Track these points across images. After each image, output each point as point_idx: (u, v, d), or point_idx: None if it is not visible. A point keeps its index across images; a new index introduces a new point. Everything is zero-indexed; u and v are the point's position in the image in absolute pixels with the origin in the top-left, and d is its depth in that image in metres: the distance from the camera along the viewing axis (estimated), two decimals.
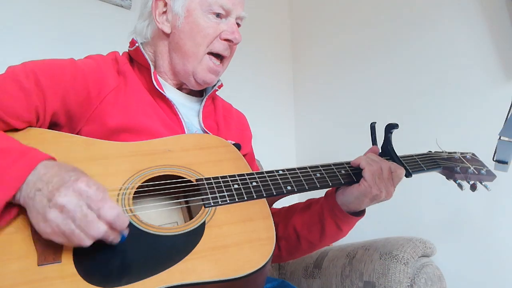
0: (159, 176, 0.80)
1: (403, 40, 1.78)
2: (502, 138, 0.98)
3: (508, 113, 0.99)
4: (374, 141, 1.03)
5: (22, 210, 0.66)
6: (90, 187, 0.63)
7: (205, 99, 1.06)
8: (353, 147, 1.89)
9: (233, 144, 0.93)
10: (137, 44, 0.99)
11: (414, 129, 1.66)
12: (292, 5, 2.44)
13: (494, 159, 1.00)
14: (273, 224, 0.79)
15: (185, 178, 0.81)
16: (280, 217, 1.06)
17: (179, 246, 0.70)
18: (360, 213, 0.98)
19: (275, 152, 2.11)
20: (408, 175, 0.97)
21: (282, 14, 2.44)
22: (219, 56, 1.01)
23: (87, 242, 0.62)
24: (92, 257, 0.66)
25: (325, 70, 2.16)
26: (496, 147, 0.99)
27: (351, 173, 0.94)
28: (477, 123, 1.48)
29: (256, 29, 2.20)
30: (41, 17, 1.61)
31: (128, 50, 1.03)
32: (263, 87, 2.26)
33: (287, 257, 1.08)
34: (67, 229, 0.61)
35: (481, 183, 1.06)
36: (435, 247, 1.33)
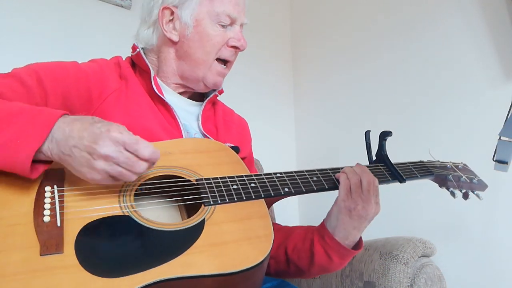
0: (160, 176, 0.82)
1: (403, 40, 1.78)
2: (502, 138, 0.98)
3: (508, 113, 1.00)
4: (368, 148, 1.05)
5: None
6: (122, 134, 0.69)
7: (205, 103, 1.07)
8: (353, 147, 1.90)
9: (232, 146, 0.95)
10: (138, 49, 1.02)
11: (413, 128, 1.67)
12: (292, 5, 2.44)
13: (494, 159, 1.00)
14: (271, 223, 0.80)
15: (185, 178, 0.83)
16: (277, 236, 1.03)
17: (179, 241, 0.71)
18: (356, 247, 0.96)
19: (275, 153, 2.11)
20: (402, 181, 0.98)
21: (283, 14, 2.44)
22: (224, 61, 1.04)
23: (134, 178, 0.70)
24: (93, 249, 0.67)
25: (325, 70, 2.17)
26: (496, 147, 0.99)
27: None
28: (477, 123, 1.48)
29: (256, 29, 2.20)
30: (41, 17, 1.61)
31: (131, 55, 1.05)
32: (263, 88, 2.26)
33: (276, 276, 1.07)
34: (116, 172, 0.68)
35: (473, 192, 1.07)
36: (435, 247, 1.33)
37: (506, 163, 1.00)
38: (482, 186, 1.08)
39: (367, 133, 1.05)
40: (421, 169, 1.05)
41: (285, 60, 2.39)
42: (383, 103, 1.83)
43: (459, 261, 1.47)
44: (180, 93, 1.07)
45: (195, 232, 0.73)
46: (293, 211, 2.16)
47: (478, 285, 1.42)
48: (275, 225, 1.09)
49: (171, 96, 1.03)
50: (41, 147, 0.68)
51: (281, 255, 1.01)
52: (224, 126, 1.10)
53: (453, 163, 1.11)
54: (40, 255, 0.64)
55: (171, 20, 1.01)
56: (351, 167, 0.95)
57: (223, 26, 1.00)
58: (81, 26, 1.69)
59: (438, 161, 1.12)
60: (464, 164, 1.13)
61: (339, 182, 0.93)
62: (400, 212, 1.64)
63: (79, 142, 0.68)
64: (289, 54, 2.41)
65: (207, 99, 1.08)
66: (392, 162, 1.02)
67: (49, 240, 0.65)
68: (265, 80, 2.27)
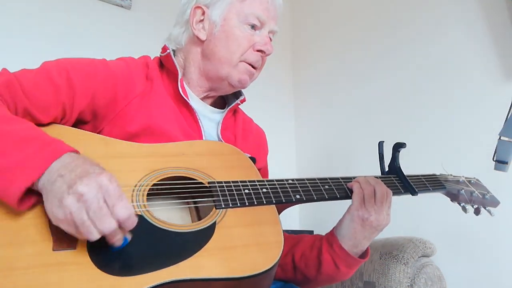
0: (173, 177, 0.82)
1: (403, 40, 1.78)
2: (502, 138, 0.98)
3: (508, 113, 0.99)
4: (381, 159, 1.05)
5: (41, 198, 0.68)
6: (111, 183, 0.63)
7: (226, 111, 1.07)
8: (353, 150, 1.90)
9: (248, 157, 0.94)
10: (168, 51, 1.02)
11: (413, 128, 1.67)
12: (293, 7, 2.44)
13: (494, 159, 1.00)
14: (282, 230, 0.80)
15: (197, 180, 0.83)
16: (286, 244, 1.04)
17: (189, 243, 0.72)
18: (363, 256, 0.97)
19: (275, 156, 2.10)
20: (414, 193, 0.99)
21: (283, 17, 2.43)
22: (251, 67, 1.04)
23: (94, 236, 0.62)
24: (106, 247, 0.67)
25: (325, 73, 2.17)
26: (496, 147, 0.99)
27: None
28: (477, 123, 1.48)
29: None
30: (41, 17, 1.61)
31: (160, 55, 1.05)
32: (263, 91, 2.25)
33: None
34: (79, 219, 0.61)
35: (484, 208, 1.06)
36: (435, 247, 1.33)
37: (506, 163, 1.00)
38: (494, 202, 1.08)
39: (381, 144, 1.05)
40: (433, 183, 1.05)
41: (285, 63, 2.38)
42: (383, 104, 1.83)
43: (459, 261, 1.47)
44: (203, 99, 1.06)
45: (206, 234, 0.74)
46: (294, 216, 2.16)
47: (478, 285, 1.42)
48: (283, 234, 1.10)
49: (194, 102, 1.03)
50: (38, 180, 0.65)
51: (288, 263, 1.01)
52: (242, 135, 1.10)
53: (465, 178, 1.10)
54: (53, 250, 0.64)
55: (202, 21, 1.02)
56: (365, 177, 0.95)
57: (252, 28, 1.00)
58: (81, 26, 1.69)
59: (451, 174, 1.12)
60: (477, 179, 1.12)
61: (351, 192, 0.93)
62: (400, 212, 1.64)
63: (68, 174, 0.63)
64: (289, 57, 2.41)
65: (229, 107, 1.08)
66: (404, 174, 1.02)
67: (62, 236, 0.65)
68: (265, 83, 2.26)
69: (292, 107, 2.35)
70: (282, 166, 2.19)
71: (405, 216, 1.65)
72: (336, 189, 0.92)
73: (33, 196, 0.67)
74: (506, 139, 0.98)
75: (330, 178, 0.94)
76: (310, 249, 0.99)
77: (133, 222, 0.64)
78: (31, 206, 0.67)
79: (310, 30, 2.31)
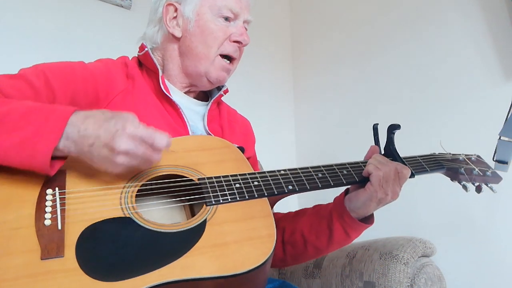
0: (162, 175, 0.82)
1: (403, 39, 1.78)
2: (502, 138, 0.98)
3: (508, 113, 0.99)
4: (376, 142, 1.03)
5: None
6: (138, 128, 0.71)
7: (210, 103, 1.08)
8: (353, 146, 1.89)
9: (237, 147, 0.94)
10: (146, 49, 1.02)
11: (413, 128, 1.66)
12: (292, 5, 2.44)
13: (494, 159, 1.00)
14: (274, 222, 0.79)
15: (187, 177, 0.82)
16: (287, 222, 1.06)
17: (179, 243, 0.71)
18: (369, 221, 0.98)
19: (275, 152, 2.11)
20: (411, 175, 0.97)
21: (282, 14, 2.44)
22: (229, 58, 1.04)
23: (151, 165, 0.75)
24: (94, 252, 0.67)
25: (325, 69, 2.17)
26: (496, 147, 0.99)
27: (353, 173, 0.93)
28: (477, 123, 1.48)
29: (256, 29, 2.20)
30: (41, 17, 1.61)
31: (138, 55, 1.05)
32: (263, 87, 2.26)
33: (292, 262, 1.08)
34: (135, 163, 0.72)
35: (486, 185, 1.04)
36: (435, 247, 1.33)
37: (506, 163, 1.00)
38: (496, 178, 1.05)
39: (375, 126, 1.03)
40: (431, 163, 1.03)
41: (285, 59, 2.39)
42: (382, 102, 1.83)
43: (459, 261, 1.47)
44: (186, 93, 1.07)
45: (196, 233, 0.73)
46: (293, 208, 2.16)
47: (478, 285, 1.42)
48: (277, 214, 1.10)
49: (178, 96, 1.04)
50: (57, 146, 0.69)
51: (297, 239, 1.02)
52: (228, 126, 1.10)
53: (465, 155, 1.08)
54: (41, 259, 0.64)
55: (175, 18, 1.02)
56: (376, 159, 0.93)
57: (225, 20, 1.01)
58: (81, 26, 1.69)
59: (450, 153, 1.09)
60: (478, 156, 1.09)
61: (347, 179, 0.92)
62: (400, 212, 1.64)
63: (96, 141, 0.69)
64: (289, 54, 2.41)
65: (213, 99, 1.08)
66: (401, 156, 0.99)
67: (50, 243, 0.65)
68: (265, 80, 2.27)
69: (292, 102, 2.36)
70: (282, 162, 2.19)
71: (405, 216, 1.65)
72: (330, 176, 0.90)
73: (57, 160, 0.71)
74: (506, 139, 0.98)
75: (324, 166, 0.92)
76: (318, 222, 1.00)
77: (170, 142, 0.75)
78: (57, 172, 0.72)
79: (310, 25, 2.30)
